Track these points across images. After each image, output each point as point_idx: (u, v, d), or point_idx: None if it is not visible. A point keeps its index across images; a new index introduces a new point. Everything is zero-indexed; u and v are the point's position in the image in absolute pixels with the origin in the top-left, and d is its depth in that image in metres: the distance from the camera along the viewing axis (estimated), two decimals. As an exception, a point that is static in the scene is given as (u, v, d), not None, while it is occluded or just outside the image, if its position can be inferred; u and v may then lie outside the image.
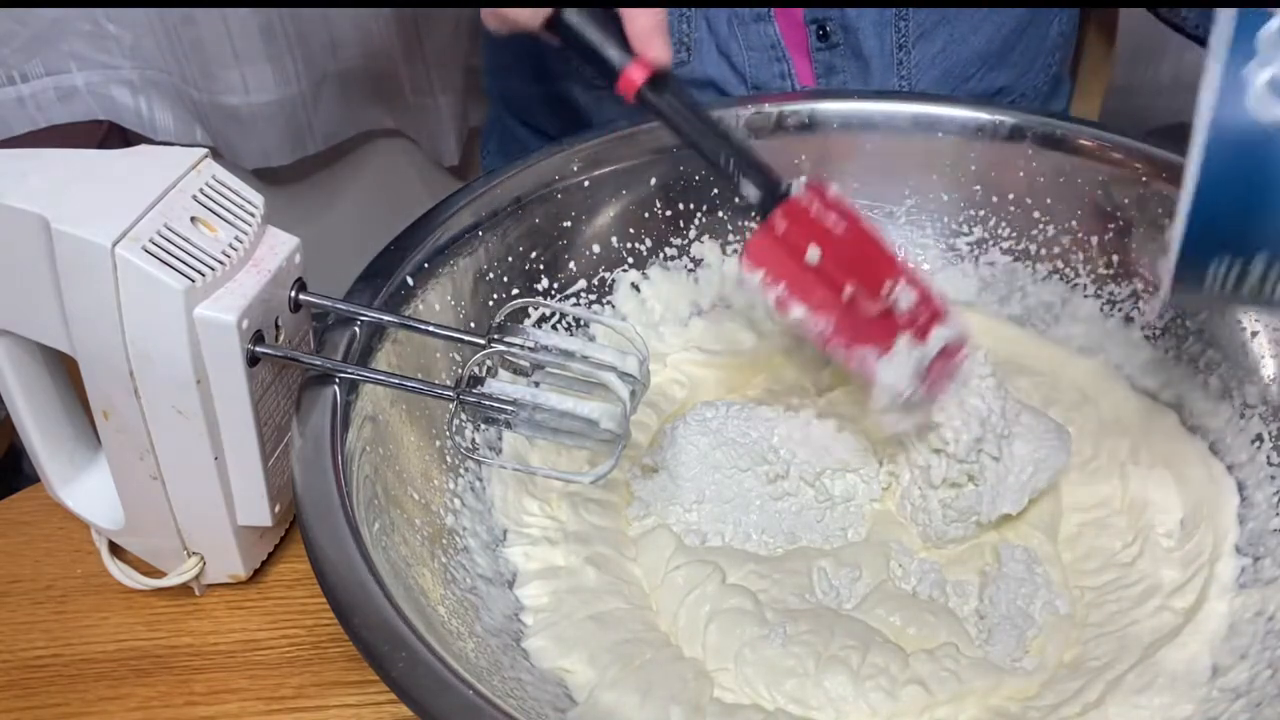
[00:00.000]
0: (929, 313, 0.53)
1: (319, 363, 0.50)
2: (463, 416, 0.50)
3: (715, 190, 0.66)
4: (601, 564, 0.55)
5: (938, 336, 0.53)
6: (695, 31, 0.76)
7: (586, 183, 0.63)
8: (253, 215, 0.50)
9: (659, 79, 0.53)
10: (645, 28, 0.53)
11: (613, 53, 0.53)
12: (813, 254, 0.52)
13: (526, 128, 0.89)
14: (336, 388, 0.49)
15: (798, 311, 0.53)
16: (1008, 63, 0.80)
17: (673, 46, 0.77)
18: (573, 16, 0.53)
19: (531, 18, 0.54)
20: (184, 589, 0.58)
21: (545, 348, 0.50)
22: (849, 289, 0.52)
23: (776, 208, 0.53)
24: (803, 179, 0.54)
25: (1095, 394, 0.63)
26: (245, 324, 0.48)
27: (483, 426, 0.58)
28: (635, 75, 0.53)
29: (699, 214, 0.66)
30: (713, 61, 0.77)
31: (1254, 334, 0.59)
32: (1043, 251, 0.66)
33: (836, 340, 0.53)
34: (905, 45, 0.75)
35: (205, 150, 0.50)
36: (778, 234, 0.53)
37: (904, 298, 0.52)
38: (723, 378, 0.65)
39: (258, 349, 0.49)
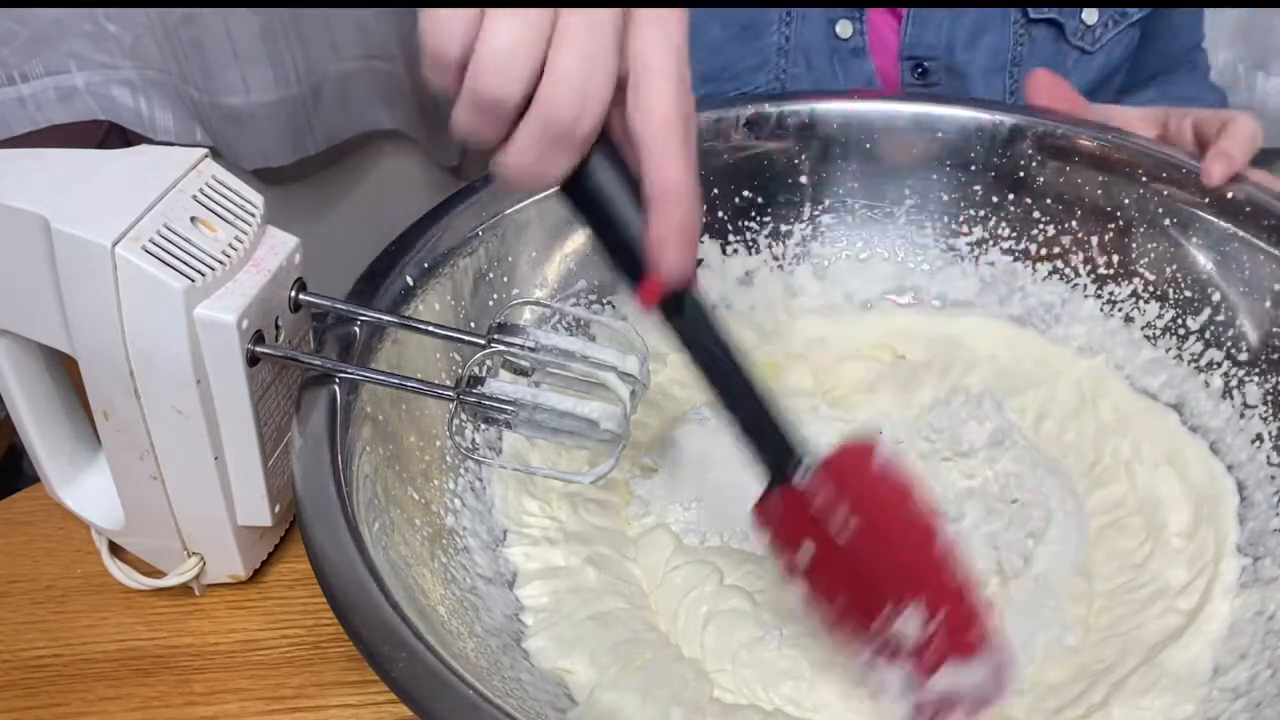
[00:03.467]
0: (948, 643, 0.44)
1: (319, 363, 0.50)
2: (463, 416, 0.50)
3: (715, 190, 0.66)
4: (602, 564, 0.55)
5: (942, 680, 0.44)
6: (793, 67, 0.76)
7: (587, 183, 0.63)
8: (253, 215, 0.50)
9: (679, 295, 0.43)
10: (663, 231, 0.41)
11: (633, 249, 0.41)
12: (805, 552, 0.45)
13: None
14: (336, 388, 0.49)
15: (799, 587, 0.47)
16: (1111, 86, 0.82)
17: (769, 83, 0.76)
18: (597, 183, 0.41)
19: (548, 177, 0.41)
20: (184, 589, 0.58)
21: (545, 348, 0.50)
22: (838, 602, 0.46)
23: (776, 489, 0.45)
24: (823, 452, 0.45)
25: (1095, 394, 0.63)
26: (245, 324, 0.48)
27: (483, 426, 0.58)
28: (650, 291, 0.42)
29: (699, 214, 0.66)
30: None
31: (1254, 333, 0.59)
32: (1043, 251, 0.66)
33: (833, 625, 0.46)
34: (1016, 92, 0.76)
35: (205, 150, 0.50)
36: (779, 511, 0.46)
37: (911, 624, 0.44)
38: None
39: (258, 349, 0.49)
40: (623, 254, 0.42)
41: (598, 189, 0.41)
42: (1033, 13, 0.74)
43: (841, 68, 0.76)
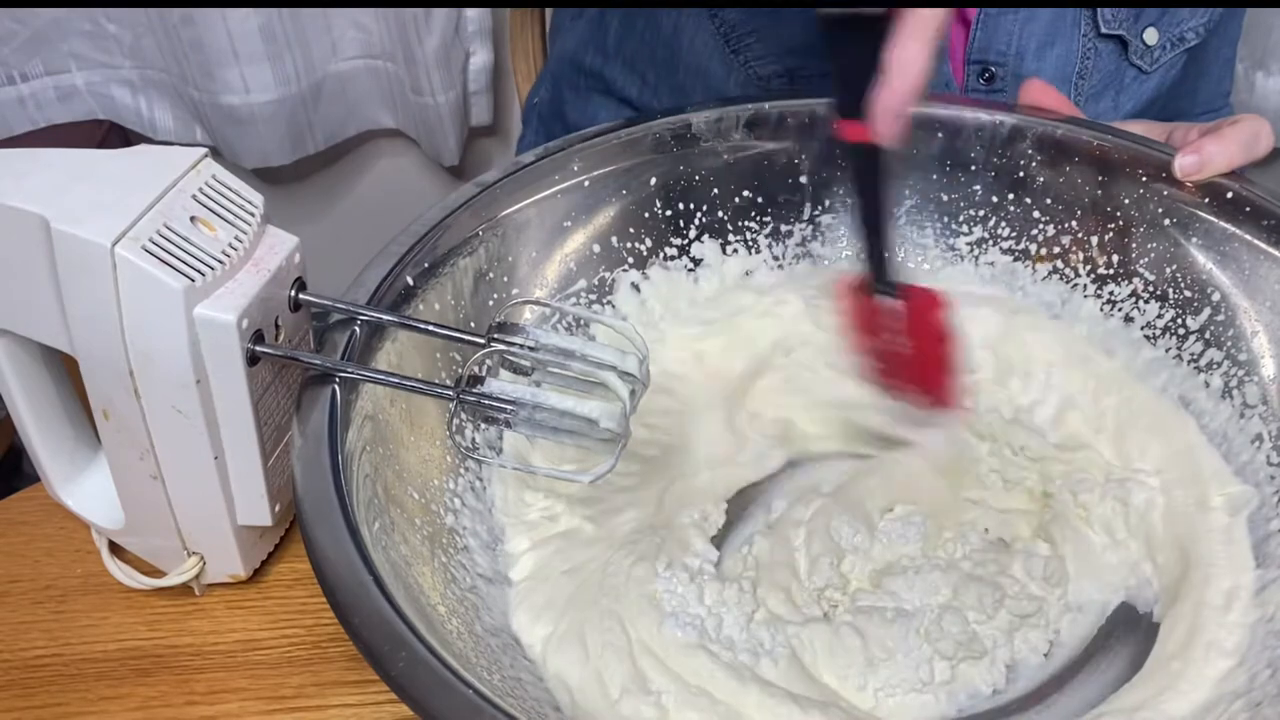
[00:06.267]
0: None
1: (319, 362, 0.50)
2: (463, 416, 0.50)
3: (715, 190, 0.66)
4: (600, 520, 0.56)
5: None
6: None
7: (586, 183, 0.63)
8: (252, 215, 0.50)
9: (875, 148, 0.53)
10: (890, 103, 0.51)
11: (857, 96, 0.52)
12: (865, 334, 0.59)
13: (602, 95, 0.87)
14: (336, 387, 0.49)
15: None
16: (1154, 109, 0.82)
17: None
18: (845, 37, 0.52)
19: None
20: (184, 589, 0.58)
21: (545, 347, 0.50)
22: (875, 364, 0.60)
23: (865, 288, 0.57)
24: (908, 283, 0.57)
25: (1099, 390, 0.63)
26: (245, 323, 0.48)
27: (483, 426, 0.58)
28: (860, 133, 0.53)
29: (699, 214, 0.67)
30: None
31: (1254, 333, 0.59)
32: (1043, 251, 0.66)
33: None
34: (1079, 104, 0.76)
35: (205, 150, 0.50)
36: (860, 302, 0.58)
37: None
38: (726, 344, 0.65)
39: (258, 348, 0.49)
40: (847, 92, 0.52)
41: (853, 37, 0.51)
42: (1103, 27, 0.75)
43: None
